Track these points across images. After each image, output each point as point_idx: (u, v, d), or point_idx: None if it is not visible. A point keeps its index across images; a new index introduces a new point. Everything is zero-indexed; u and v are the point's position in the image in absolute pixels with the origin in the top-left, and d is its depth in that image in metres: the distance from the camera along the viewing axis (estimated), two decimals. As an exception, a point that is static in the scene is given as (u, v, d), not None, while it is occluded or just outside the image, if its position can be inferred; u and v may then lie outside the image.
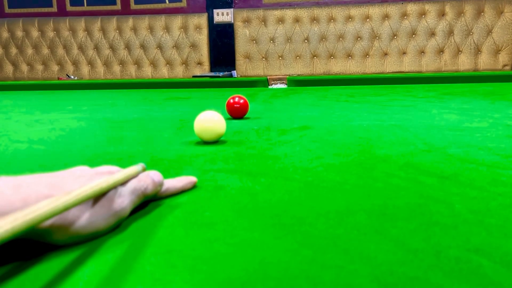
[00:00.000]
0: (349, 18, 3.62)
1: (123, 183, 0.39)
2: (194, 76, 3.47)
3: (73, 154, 0.73)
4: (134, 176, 0.41)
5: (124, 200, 0.38)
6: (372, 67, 3.64)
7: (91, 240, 0.35)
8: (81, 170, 0.39)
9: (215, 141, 0.77)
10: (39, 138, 0.88)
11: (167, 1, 3.88)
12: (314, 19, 3.67)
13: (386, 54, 3.62)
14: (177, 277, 0.29)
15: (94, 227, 0.35)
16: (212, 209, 0.42)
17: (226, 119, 0.96)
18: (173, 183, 0.47)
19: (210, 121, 0.74)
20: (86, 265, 0.31)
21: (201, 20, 3.78)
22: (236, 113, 1.06)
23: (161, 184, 0.44)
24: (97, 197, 0.36)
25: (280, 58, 3.74)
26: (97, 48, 3.88)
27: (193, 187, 0.49)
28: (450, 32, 3.51)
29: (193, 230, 0.37)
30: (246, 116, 1.09)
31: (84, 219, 0.34)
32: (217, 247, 0.34)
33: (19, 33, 3.98)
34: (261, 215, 0.40)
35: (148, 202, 0.44)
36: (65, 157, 0.71)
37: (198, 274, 0.29)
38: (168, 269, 0.30)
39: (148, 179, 0.42)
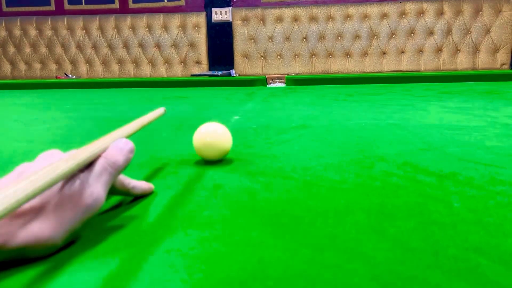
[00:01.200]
0: (347, 17, 3.62)
1: (85, 167, 0.34)
2: (192, 75, 3.46)
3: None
4: (99, 153, 0.36)
5: (93, 188, 0.33)
6: (370, 66, 3.65)
7: (76, 236, 0.34)
8: (50, 155, 0.35)
9: (219, 160, 0.61)
10: (37, 137, 0.88)
11: (165, 0, 3.87)
12: (313, 18, 3.67)
13: (384, 53, 3.62)
14: (176, 276, 0.29)
15: (72, 229, 0.32)
16: (211, 208, 0.42)
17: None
18: (138, 183, 0.44)
19: (213, 136, 0.59)
20: (84, 265, 0.31)
21: (200, 19, 3.77)
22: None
23: (131, 151, 0.38)
24: (58, 196, 0.31)
25: (279, 57, 3.74)
26: (95, 47, 3.87)
27: (150, 193, 0.46)
28: (449, 31, 3.52)
29: (192, 229, 0.37)
30: (243, 116, 1.09)
31: (57, 228, 0.31)
32: (216, 246, 0.34)
33: (17, 32, 3.97)
34: (260, 214, 0.40)
35: (140, 198, 0.44)
36: (63, 156, 0.71)
37: (197, 274, 0.29)
38: (167, 268, 0.30)
39: (113, 150, 0.37)
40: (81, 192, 0.32)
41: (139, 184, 0.44)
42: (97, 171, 0.34)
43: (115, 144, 0.38)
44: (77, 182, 0.32)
